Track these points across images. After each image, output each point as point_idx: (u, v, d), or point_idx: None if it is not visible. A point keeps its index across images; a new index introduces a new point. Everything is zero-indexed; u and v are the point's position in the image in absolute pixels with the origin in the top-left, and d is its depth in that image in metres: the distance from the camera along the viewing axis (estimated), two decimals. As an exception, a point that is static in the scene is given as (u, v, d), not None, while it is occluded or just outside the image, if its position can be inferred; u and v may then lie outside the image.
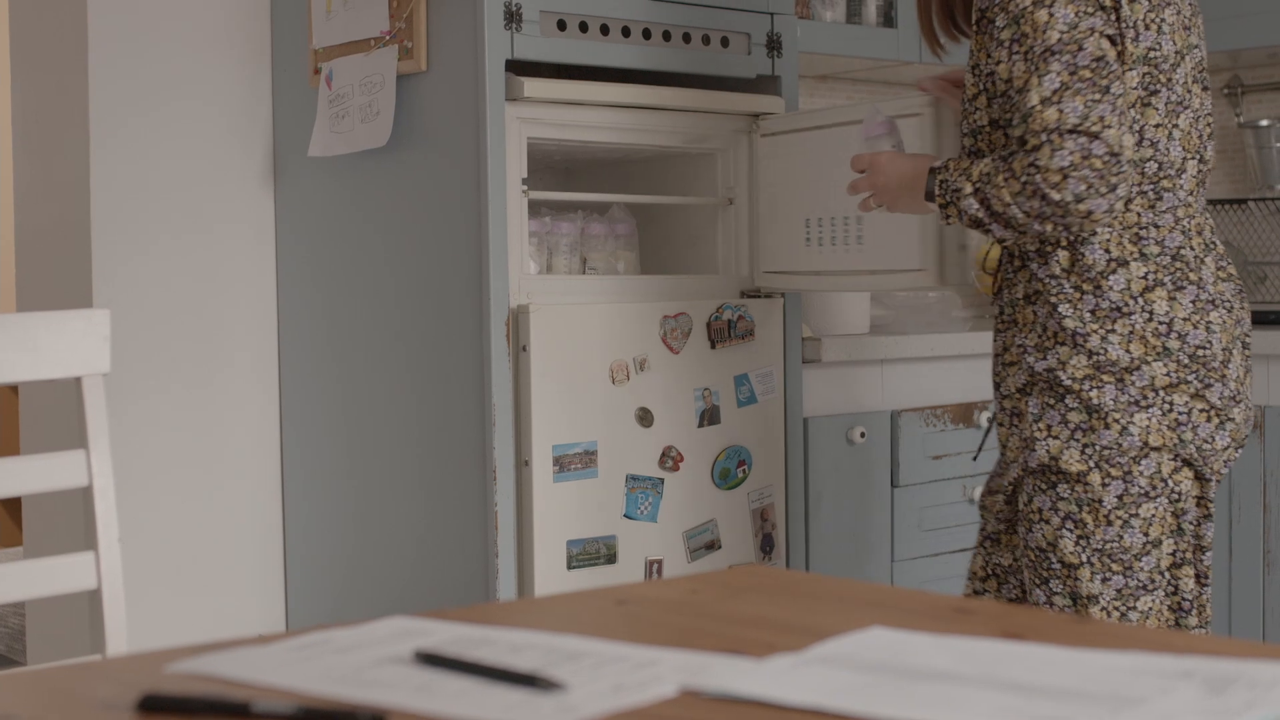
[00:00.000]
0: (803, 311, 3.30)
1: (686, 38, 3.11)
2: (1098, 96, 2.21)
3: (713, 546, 3.12)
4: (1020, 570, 2.59)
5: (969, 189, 2.30)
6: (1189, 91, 2.39)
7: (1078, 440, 2.34)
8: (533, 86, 2.88)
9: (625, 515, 2.99)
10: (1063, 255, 2.35)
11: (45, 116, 3.30)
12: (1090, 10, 2.25)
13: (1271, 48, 3.77)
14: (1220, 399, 2.35)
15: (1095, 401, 2.32)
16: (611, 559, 2.98)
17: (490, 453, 2.87)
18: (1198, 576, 2.41)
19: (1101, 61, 2.23)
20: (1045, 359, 2.37)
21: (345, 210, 3.19)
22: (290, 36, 3.31)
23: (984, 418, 3.51)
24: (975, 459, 3.13)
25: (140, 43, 3.23)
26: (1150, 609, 2.37)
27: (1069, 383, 2.34)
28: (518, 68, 2.91)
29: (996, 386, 2.51)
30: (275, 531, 3.40)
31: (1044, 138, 2.21)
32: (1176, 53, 2.37)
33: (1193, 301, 2.36)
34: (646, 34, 3.06)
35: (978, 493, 3.49)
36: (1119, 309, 2.33)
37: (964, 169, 2.33)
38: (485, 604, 2.81)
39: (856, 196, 2.61)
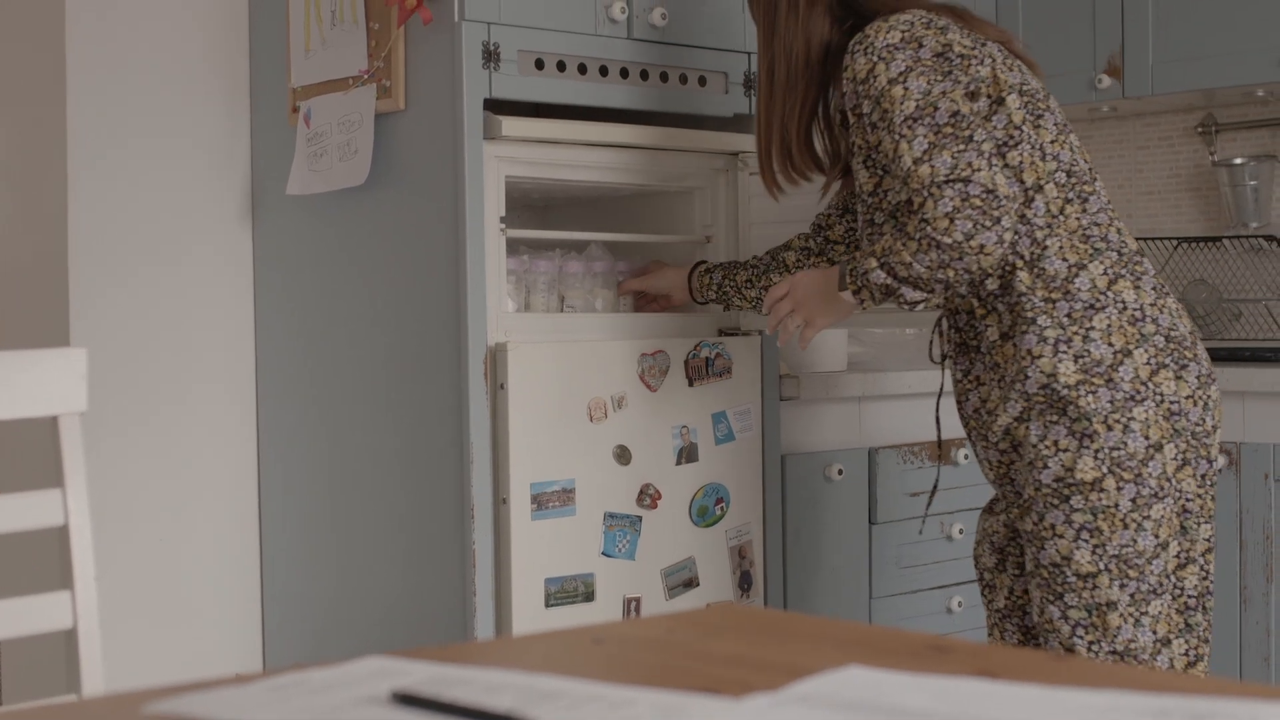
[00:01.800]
0: (780, 349, 3.31)
1: (664, 77, 3.12)
2: (962, 147, 2.37)
3: (691, 584, 3.11)
4: (1013, 614, 2.65)
5: (874, 264, 2.43)
6: (1068, 124, 2.55)
7: (1088, 448, 2.40)
8: (511, 125, 2.89)
9: (603, 553, 2.99)
10: (1022, 275, 2.45)
11: (23, 151, 3.29)
12: (939, 77, 2.42)
13: (1245, 86, 3.80)
14: (1197, 378, 2.45)
15: (1093, 406, 2.40)
16: (589, 597, 2.97)
17: (468, 490, 2.86)
18: (1203, 576, 2.50)
19: (958, 116, 2.40)
20: (1036, 378, 2.42)
21: (323, 248, 3.19)
22: (269, 74, 3.31)
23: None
24: (923, 524, 3.28)
25: (119, 78, 3.23)
26: (1160, 613, 2.44)
27: (1065, 392, 2.40)
28: (496, 107, 2.92)
29: (984, 438, 2.55)
30: (252, 570, 3.38)
31: (925, 193, 2.36)
32: (1043, 89, 2.56)
33: (1153, 289, 2.48)
34: (624, 73, 3.07)
35: (956, 529, 3.49)
36: (1093, 306, 2.44)
37: (869, 251, 2.46)
38: (463, 643, 2.80)
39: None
